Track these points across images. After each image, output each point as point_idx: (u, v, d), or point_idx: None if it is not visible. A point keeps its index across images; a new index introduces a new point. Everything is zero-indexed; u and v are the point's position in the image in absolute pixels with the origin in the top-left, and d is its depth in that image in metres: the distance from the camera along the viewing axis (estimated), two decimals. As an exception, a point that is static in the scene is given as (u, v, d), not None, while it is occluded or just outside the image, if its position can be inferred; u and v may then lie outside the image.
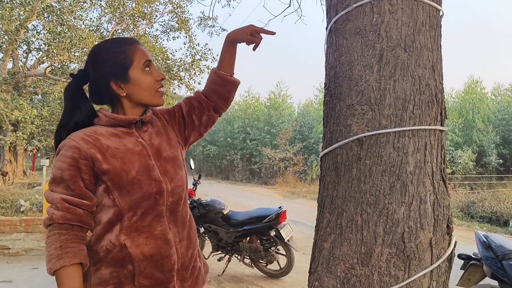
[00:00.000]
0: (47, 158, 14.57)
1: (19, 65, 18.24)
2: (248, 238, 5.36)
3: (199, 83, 21.09)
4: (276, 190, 19.78)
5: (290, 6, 6.06)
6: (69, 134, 1.43)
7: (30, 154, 21.28)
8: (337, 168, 1.60)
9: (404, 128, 1.49)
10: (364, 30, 1.58)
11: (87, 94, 1.52)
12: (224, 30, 20.94)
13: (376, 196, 1.49)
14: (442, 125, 1.57)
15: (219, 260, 5.60)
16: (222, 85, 1.69)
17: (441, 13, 1.65)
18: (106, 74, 1.45)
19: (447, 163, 20.10)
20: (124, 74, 1.45)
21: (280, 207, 5.45)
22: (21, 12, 15.25)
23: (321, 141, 1.81)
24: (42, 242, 5.73)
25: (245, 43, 1.67)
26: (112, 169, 1.39)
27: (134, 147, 1.45)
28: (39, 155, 23.79)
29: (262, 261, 5.45)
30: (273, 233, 5.23)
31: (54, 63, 17.57)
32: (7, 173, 15.68)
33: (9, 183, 14.57)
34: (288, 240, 5.28)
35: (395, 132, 1.50)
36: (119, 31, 20.73)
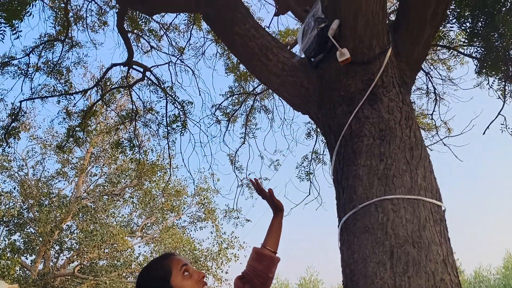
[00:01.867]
0: None
1: (50, 265, 18.50)
2: None
3: (226, 272, 20.67)
4: None
5: (309, 194, 6.38)
6: None
7: None
8: None
9: (427, 327, 1.46)
10: (372, 228, 1.69)
11: None
12: (248, 220, 21.43)
13: None
14: (466, 320, 1.53)
15: None
16: (259, 260, 1.69)
17: (443, 208, 1.77)
18: None
19: None
20: (168, 286, 1.55)
21: None
22: (58, 214, 16.17)
23: None
24: None
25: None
26: None
27: None
28: None
29: None
30: None
31: (83, 261, 17.79)
32: None
33: None
34: None
35: (418, 331, 1.46)
36: (149, 224, 21.45)
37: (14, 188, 17.92)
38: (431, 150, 4.99)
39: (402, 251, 1.59)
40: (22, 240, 17.44)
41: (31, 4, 2.97)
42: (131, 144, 6.06)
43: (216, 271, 20.44)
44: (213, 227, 21.26)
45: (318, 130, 6.25)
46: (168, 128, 5.96)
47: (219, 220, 21.54)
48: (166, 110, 5.80)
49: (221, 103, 6.36)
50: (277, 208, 1.79)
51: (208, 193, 21.45)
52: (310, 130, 6.53)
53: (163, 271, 1.58)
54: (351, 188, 1.82)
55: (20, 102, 5.32)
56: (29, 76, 5.30)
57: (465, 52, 4.21)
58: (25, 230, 17.78)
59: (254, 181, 1.81)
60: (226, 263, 20.60)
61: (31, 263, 17.62)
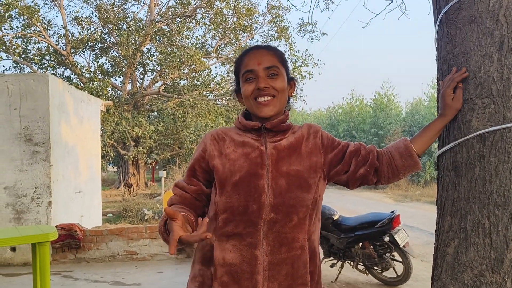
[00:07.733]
0: (164, 170, 15.74)
1: (137, 86, 19.99)
2: (360, 244, 5.22)
3: (301, 90, 21.23)
4: (387, 194, 18.99)
5: (392, 2, 5.83)
6: None
7: (150, 167, 23.16)
8: (456, 168, 1.49)
9: (535, 121, 1.34)
10: (480, 17, 1.46)
11: None
12: (324, 34, 20.84)
13: (505, 196, 1.36)
14: None
15: (331, 266, 5.53)
16: (403, 156, 1.50)
17: None
18: (236, 86, 1.56)
19: None
20: (238, 85, 1.53)
21: (393, 212, 5.22)
22: (136, 38, 16.73)
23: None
24: (165, 247, 6.18)
25: None
26: (221, 168, 1.43)
27: (251, 153, 1.44)
28: (157, 167, 25.77)
29: (377, 268, 5.26)
30: (386, 238, 5.02)
31: (166, 81, 18.97)
32: (131, 185, 17.22)
33: (134, 194, 15.99)
34: (403, 246, 5.03)
35: (524, 125, 1.35)
36: (222, 45, 21.73)
37: (92, 13, 18.47)
38: None
39: (516, 40, 1.39)
40: (109, 63, 18.69)
41: None
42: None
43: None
44: (286, 45, 21.12)
45: None
46: None
47: (292, 38, 21.24)
48: None
49: None
50: (448, 107, 1.49)
51: (280, 11, 20.74)
52: None
53: (237, 68, 1.53)
54: (457, -28, 1.54)
55: None
56: None
57: None
58: (110, 53, 18.88)
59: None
60: (300, 80, 21.00)
61: (120, 84, 19.15)
